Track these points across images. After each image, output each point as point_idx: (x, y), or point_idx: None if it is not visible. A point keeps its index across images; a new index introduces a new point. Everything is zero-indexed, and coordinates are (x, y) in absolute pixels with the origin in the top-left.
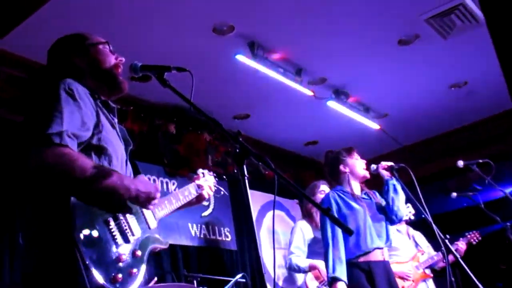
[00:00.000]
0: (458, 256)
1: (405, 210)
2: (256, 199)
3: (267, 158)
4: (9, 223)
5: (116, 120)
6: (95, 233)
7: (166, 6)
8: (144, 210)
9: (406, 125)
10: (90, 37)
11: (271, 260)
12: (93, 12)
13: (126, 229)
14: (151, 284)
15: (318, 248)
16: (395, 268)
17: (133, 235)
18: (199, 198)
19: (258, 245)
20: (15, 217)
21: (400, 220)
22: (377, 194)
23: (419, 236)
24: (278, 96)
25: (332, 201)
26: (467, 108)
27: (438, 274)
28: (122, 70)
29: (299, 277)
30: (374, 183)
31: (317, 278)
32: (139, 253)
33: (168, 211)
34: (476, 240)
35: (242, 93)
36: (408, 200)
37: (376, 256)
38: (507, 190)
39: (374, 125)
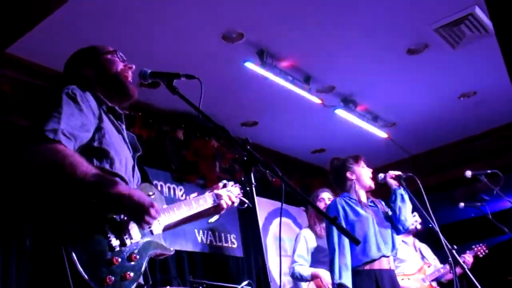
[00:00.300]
0: (466, 267)
1: (412, 220)
2: (263, 206)
3: (274, 165)
4: (16, 227)
5: (123, 126)
6: (88, 235)
7: (176, 14)
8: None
9: (414, 134)
10: (100, 48)
11: (277, 267)
12: (103, 20)
13: (123, 232)
14: None
15: (321, 256)
16: (402, 283)
17: (131, 238)
18: (217, 208)
19: (264, 253)
20: (24, 221)
21: (406, 230)
22: (382, 203)
23: (425, 249)
24: (286, 103)
25: (340, 208)
26: (476, 118)
27: (444, 287)
28: (132, 77)
29: (304, 286)
30: (382, 192)
31: (318, 287)
32: (136, 257)
33: (177, 218)
34: (483, 253)
35: (251, 101)
36: (415, 210)
37: (382, 264)
38: None
39: (382, 134)
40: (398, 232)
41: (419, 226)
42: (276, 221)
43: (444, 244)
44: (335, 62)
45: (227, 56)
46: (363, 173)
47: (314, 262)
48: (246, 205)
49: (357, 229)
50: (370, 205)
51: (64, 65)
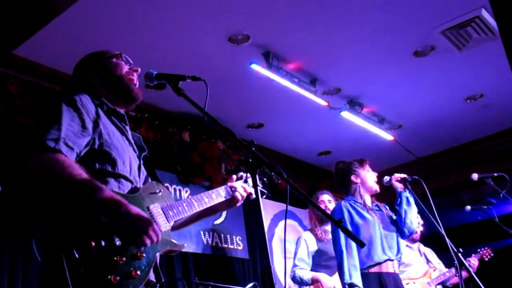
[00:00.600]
0: (472, 270)
1: (417, 223)
2: (269, 208)
3: (279, 168)
4: (23, 227)
5: (127, 127)
6: (91, 236)
7: (182, 15)
8: (155, 212)
9: (420, 137)
10: (105, 53)
11: (283, 269)
12: (109, 22)
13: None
14: None
15: (322, 260)
16: (407, 287)
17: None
18: (232, 201)
19: (270, 255)
20: (30, 221)
21: (411, 234)
22: (387, 207)
23: (430, 253)
24: (292, 105)
25: (345, 211)
26: (483, 120)
27: None
28: (138, 80)
29: None
30: (387, 195)
31: None
32: (142, 255)
33: (187, 214)
34: (489, 257)
35: (256, 102)
36: (421, 213)
37: (387, 267)
38: None
39: (388, 136)
40: (404, 236)
41: (421, 228)
42: (282, 223)
43: (450, 247)
44: (341, 64)
45: (233, 58)
46: (368, 177)
47: (315, 266)
48: (264, 195)
49: (362, 232)
50: (375, 209)
51: (73, 69)
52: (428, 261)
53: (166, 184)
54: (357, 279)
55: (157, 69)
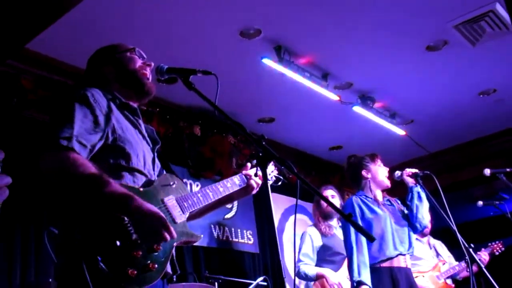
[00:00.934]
0: (482, 266)
1: (429, 218)
2: (279, 203)
3: (289, 162)
4: (35, 220)
5: (140, 120)
6: (108, 230)
7: (194, 10)
8: (170, 204)
9: (432, 132)
10: (119, 46)
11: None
12: (121, 17)
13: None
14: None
15: (327, 255)
16: (416, 281)
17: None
18: (247, 189)
19: (280, 249)
20: (43, 215)
21: (424, 228)
22: (398, 201)
23: (440, 246)
24: (303, 100)
25: (356, 206)
26: (495, 116)
27: (459, 285)
28: (151, 74)
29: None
30: (398, 190)
31: (322, 287)
32: (159, 247)
33: (202, 204)
34: (499, 251)
35: (268, 97)
36: (432, 208)
37: (398, 262)
38: None
39: (400, 131)
40: (416, 231)
41: (429, 225)
42: (293, 217)
43: (461, 242)
44: (353, 58)
45: (245, 52)
46: (379, 172)
47: (320, 261)
48: (280, 182)
49: (374, 227)
50: (386, 204)
51: (86, 63)
52: (438, 254)
53: None
54: (365, 277)
55: (168, 63)
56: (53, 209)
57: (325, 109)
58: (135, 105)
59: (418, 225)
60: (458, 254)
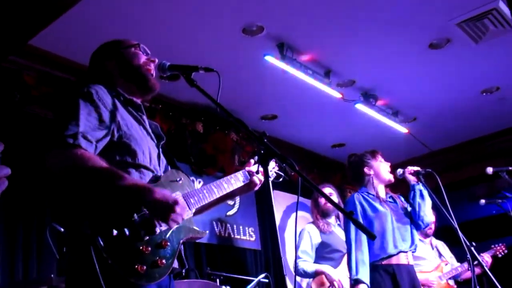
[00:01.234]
0: (484, 265)
1: (432, 216)
2: (281, 200)
3: (291, 159)
4: (38, 216)
5: (145, 116)
6: (114, 228)
7: (196, 6)
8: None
9: (435, 130)
10: (123, 42)
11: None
12: (124, 12)
13: (150, 221)
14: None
15: (325, 252)
16: (419, 276)
17: (159, 226)
18: (250, 185)
19: (282, 246)
20: (45, 211)
21: (427, 226)
22: (402, 198)
23: (442, 246)
24: (306, 97)
25: (357, 203)
26: (498, 114)
27: (461, 285)
28: (155, 70)
29: (306, 283)
30: (400, 188)
31: (322, 284)
32: (167, 244)
33: (208, 200)
34: (502, 253)
35: (270, 94)
36: (434, 207)
37: (400, 259)
38: None
39: (403, 129)
40: (418, 228)
41: (432, 225)
42: (295, 215)
43: (462, 241)
44: (355, 56)
45: (247, 49)
46: (381, 168)
47: (318, 258)
48: (281, 178)
49: (375, 224)
50: (389, 201)
51: (89, 59)
52: (440, 254)
53: None
54: (363, 275)
55: (170, 60)
56: (58, 205)
57: (328, 106)
58: (139, 101)
59: (421, 223)
60: (460, 253)
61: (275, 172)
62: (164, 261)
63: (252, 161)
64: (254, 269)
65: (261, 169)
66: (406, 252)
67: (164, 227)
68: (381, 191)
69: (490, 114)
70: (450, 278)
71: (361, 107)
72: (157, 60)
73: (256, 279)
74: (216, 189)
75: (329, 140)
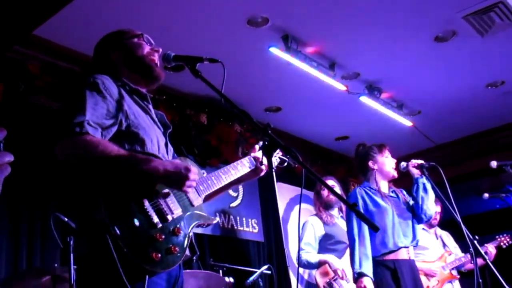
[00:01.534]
0: (487, 258)
1: (434, 209)
2: (285, 192)
3: (295, 151)
4: (41, 205)
5: (150, 106)
6: (128, 216)
7: None
8: None
9: (439, 123)
10: (126, 32)
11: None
12: (128, 3)
13: (163, 208)
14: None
15: (329, 244)
16: (421, 265)
17: (172, 213)
18: (256, 171)
19: (285, 238)
20: (49, 201)
21: (429, 219)
22: (404, 192)
23: (446, 236)
24: (310, 90)
25: (359, 198)
26: (503, 108)
27: (464, 276)
28: (159, 60)
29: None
30: (403, 181)
31: (326, 273)
32: (180, 231)
33: (217, 187)
34: (507, 244)
35: (275, 86)
36: (438, 200)
37: (401, 254)
38: None
39: (407, 122)
40: (420, 221)
41: (438, 217)
42: (298, 207)
43: (465, 234)
44: (360, 48)
45: (252, 41)
46: (386, 163)
47: (322, 250)
48: (286, 163)
49: (376, 219)
50: (391, 196)
51: (93, 49)
52: (444, 244)
53: None
54: (367, 269)
55: (175, 51)
56: (70, 194)
57: (332, 99)
58: (144, 90)
59: (423, 216)
60: (464, 246)
61: (279, 157)
62: (177, 248)
63: (256, 146)
64: (257, 260)
65: (265, 160)
66: (407, 247)
67: (176, 214)
68: (384, 186)
69: (495, 108)
70: (453, 268)
71: (365, 99)
72: (161, 50)
73: (259, 271)
74: (224, 176)
75: (333, 133)
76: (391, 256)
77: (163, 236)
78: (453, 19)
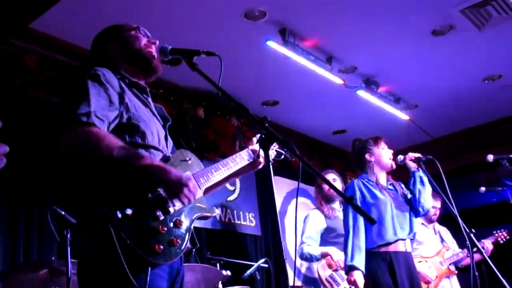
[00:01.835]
0: (483, 251)
1: (431, 202)
2: (282, 186)
3: (292, 144)
4: (39, 199)
5: (150, 99)
6: (130, 208)
7: None
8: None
9: (436, 117)
10: (123, 26)
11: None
12: None
13: (164, 201)
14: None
15: (330, 237)
16: (418, 266)
17: (173, 205)
18: (254, 163)
19: (282, 232)
20: (47, 194)
21: (426, 212)
22: (402, 185)
23: (445, 232)
24: (307, 83)
25: (357, 189)
26: (500, 102)
27: (462, 271)
28: (157, 52)
29: (314, 266)
30: (401, 175)
31: (329, 265)
32: (181, 223)
33: (216, 179)
34: (504, 239)
35: (272, 80)
36: (435, 193)
37: (398, 247)
38: None
39: (404, 116)
40: (418, 214)
41: (438, 212)
42: (295, 200)
43: (462, 227)
44: (357, 42)
45: (249, 34)
46: (383, 155)
47: (323, 243)
48: (282, 156)
49: (373, 211)
50: (389, 188)
51: (91, 43)
52: (442, 240)
53: None
54: (358, 262)
55: (172, 44)
56: (62, 188)
57: (329, 92)
58: (143, 83)
59: (420, 209)
60: (461, 241)
61: (276, 150)
62: (179, 240)
63: (254, 139)
64: (254, 254)
65: (262, 153)
66: (404, 239)
67: (177, 206)
68: (382, 178)
69: (491, 101)
70: (451, 264)
71: (362, 93)
72: (158, 42)
73: (256, 264)
74: (223, 168)
75: (331, 127)
76: (387, 248)
77: (165, 228)
78: (450, 12)
